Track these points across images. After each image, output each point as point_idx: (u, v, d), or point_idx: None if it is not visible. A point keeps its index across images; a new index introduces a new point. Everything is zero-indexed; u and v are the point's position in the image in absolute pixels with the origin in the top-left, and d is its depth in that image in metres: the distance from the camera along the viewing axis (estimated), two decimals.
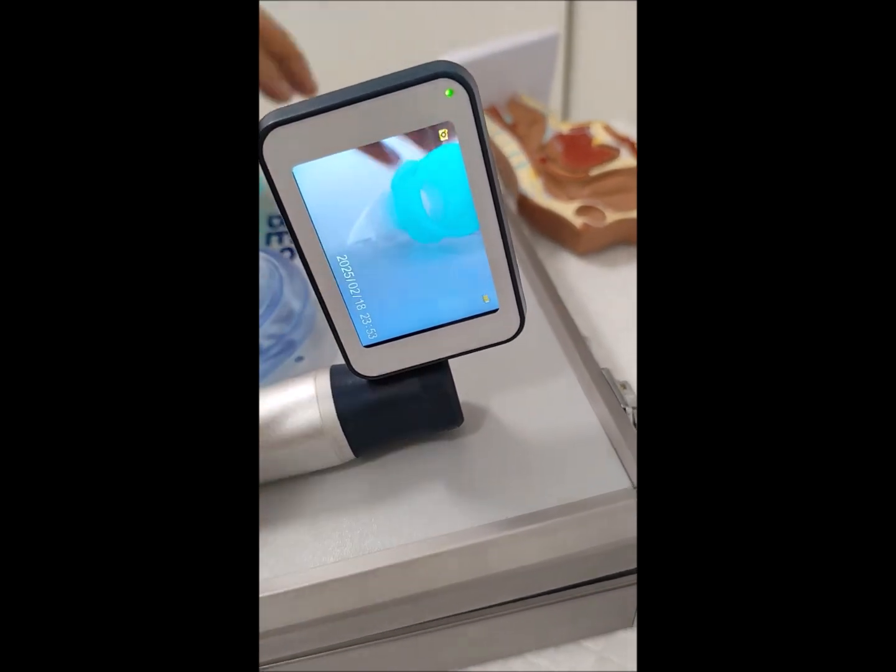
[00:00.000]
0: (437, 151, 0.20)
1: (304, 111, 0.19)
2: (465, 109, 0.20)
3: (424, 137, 0.20)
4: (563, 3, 0.91)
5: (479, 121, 0.20)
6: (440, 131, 0.20)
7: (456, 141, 0.20)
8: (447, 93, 0.19)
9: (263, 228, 0.44)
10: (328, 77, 0.95)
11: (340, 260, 0.22)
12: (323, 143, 0.20)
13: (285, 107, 0.20)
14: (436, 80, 0.19)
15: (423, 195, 0.21)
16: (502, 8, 0.87)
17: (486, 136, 0.20)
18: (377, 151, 0.20)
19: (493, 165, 0.21)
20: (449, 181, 0.21)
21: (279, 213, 0.21)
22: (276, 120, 0.19)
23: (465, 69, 0.20)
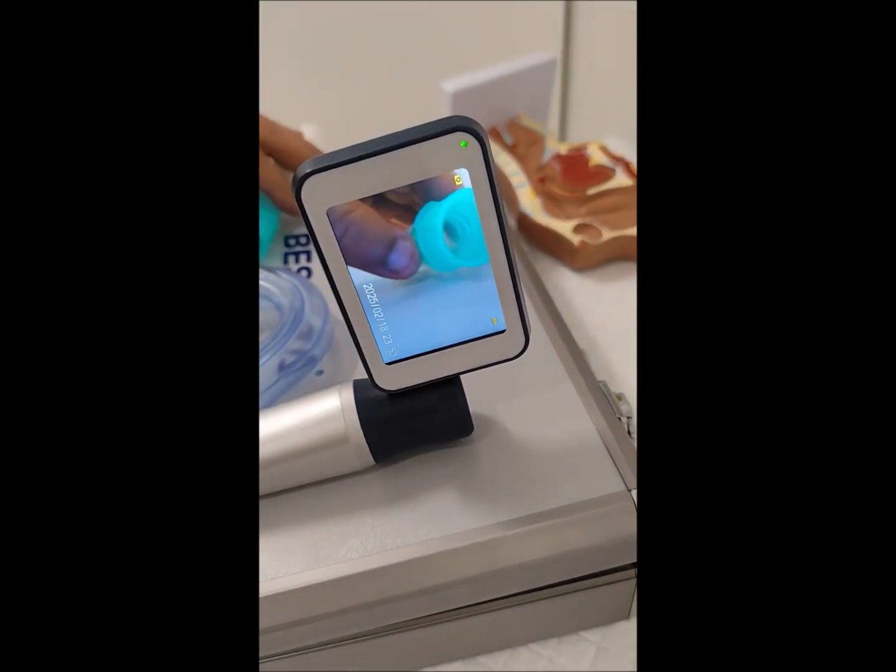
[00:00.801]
0: (455, 195, 0.23)
1: (337, 160, 0.22)
2: (477, 158, 0.22)
3: (443, 182, 0.23)
4: (560, 29, 0.94)
5: (490, 167, 0.23)
6: (455, 176, 0.23)
7: (469, 185, 0.23)
8: (462, 144, 0.22)
9: (281, 249, 0.46)
10: (338, 100, 0.98)
11: (366, 288, 0.25)
12: (353, 187, 0.23)
13: (321, 156, 0.23)
14: (452, 134, 0.22)
15: (444, 232, 0.24)
16: (503, 35, 0.90)
17: (495, 180, 0.23)
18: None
19: (501, 205, 0.24)
20: (464, 219, 0.24)
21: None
22: (313, 168, 0.22)
23: (477, 123, 0.22)
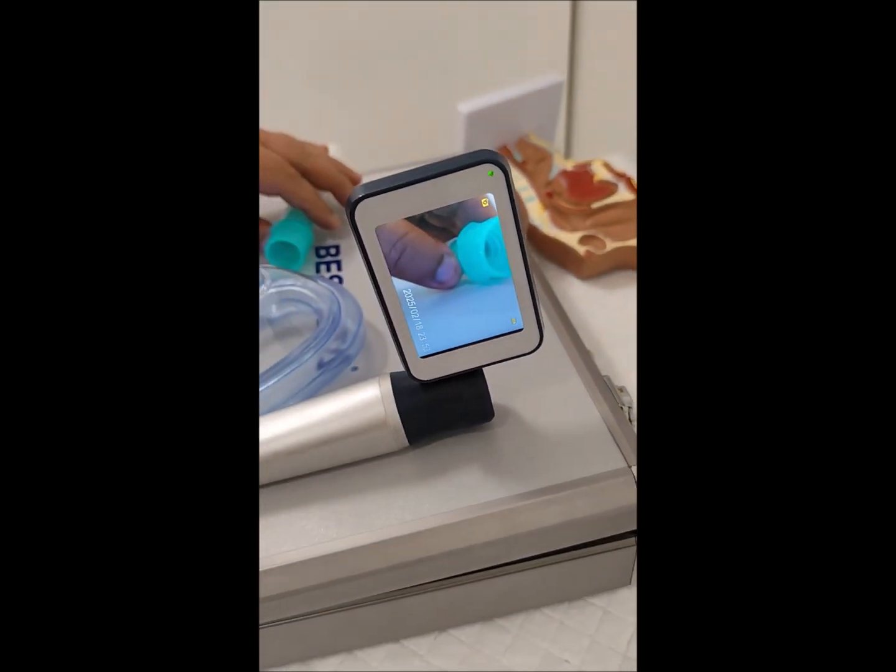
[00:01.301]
0: (493, 219, 0.28)
1: (385, 187, 0.27)
2: (501, 185, 0.27)
3: (481, 208, 0.27)
4: (566, 53, 0.99)
5: (511, 192, 0.27)
6: (483, 200, 0.27)
7: (495, 207, 0.28)
8: (489, 173, 0.27)
9: (312, 258, 0.51)
10: (358, 128, 1.04)
11: (405, 293, 0.29)
12: (398, 209, 0.27)
13: (370, 182, 0.27)
14: (482, 165, 0.26)
15: (485, 247, 0.29)
16: (510, 57, 0.95)
17: (516, 203, 0.28)
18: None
19: (520, 226, 0.28)
20: (498, 239, 0.28)
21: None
22: (365, 193, 0.27)
23: (501, 156, 0.27)
